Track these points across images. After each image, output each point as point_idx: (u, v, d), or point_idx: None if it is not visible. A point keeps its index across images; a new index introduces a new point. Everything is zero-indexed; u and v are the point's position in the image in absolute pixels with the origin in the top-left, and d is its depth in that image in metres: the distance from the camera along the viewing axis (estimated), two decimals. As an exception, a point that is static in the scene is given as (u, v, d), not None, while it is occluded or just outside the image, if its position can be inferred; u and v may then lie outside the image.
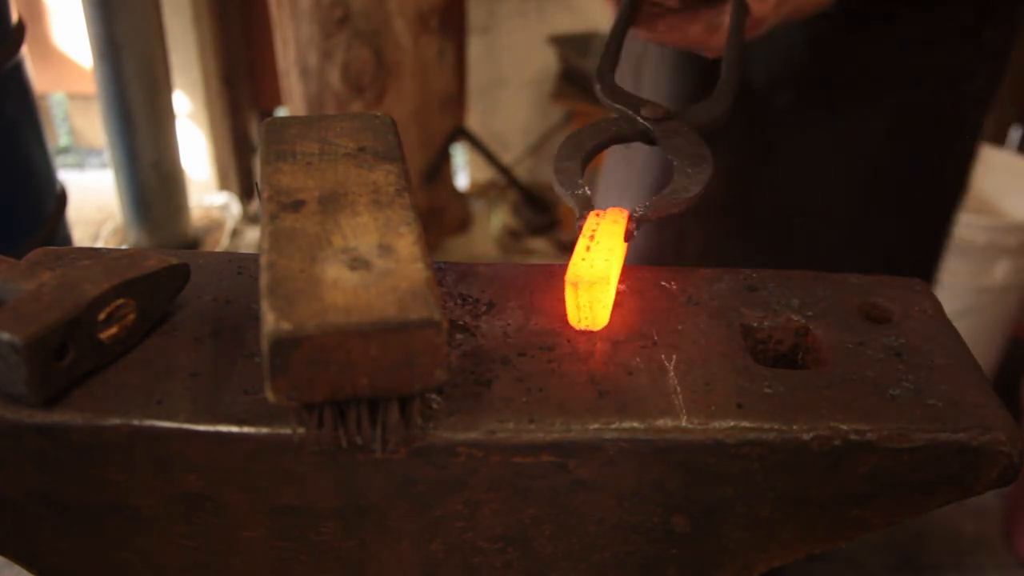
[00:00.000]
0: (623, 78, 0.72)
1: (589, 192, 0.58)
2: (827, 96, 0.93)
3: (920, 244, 1.06)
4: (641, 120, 0.64)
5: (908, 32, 0.90)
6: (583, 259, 0.52)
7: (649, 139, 0.64)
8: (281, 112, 2.66)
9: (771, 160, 0.97)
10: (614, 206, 0.57)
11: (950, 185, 1.05)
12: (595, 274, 0.51)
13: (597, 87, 0.67)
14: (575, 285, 0.51)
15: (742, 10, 0.72)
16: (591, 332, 0.53)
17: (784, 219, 1.00)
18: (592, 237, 0.54)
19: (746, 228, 1.01)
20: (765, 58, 0.91)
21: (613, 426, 0.47)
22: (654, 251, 1.03)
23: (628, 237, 0.55)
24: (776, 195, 0.99)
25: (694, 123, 0.64)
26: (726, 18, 0.73)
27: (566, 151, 0.61)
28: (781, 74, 0.92)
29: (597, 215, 0.55)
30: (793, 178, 0.98)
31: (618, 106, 0.65)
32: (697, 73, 0.95)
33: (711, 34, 0.74)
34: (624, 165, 1.10)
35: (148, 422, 0.45)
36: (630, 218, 0.55)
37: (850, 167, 0.96)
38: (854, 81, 0.92)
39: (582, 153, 0.62)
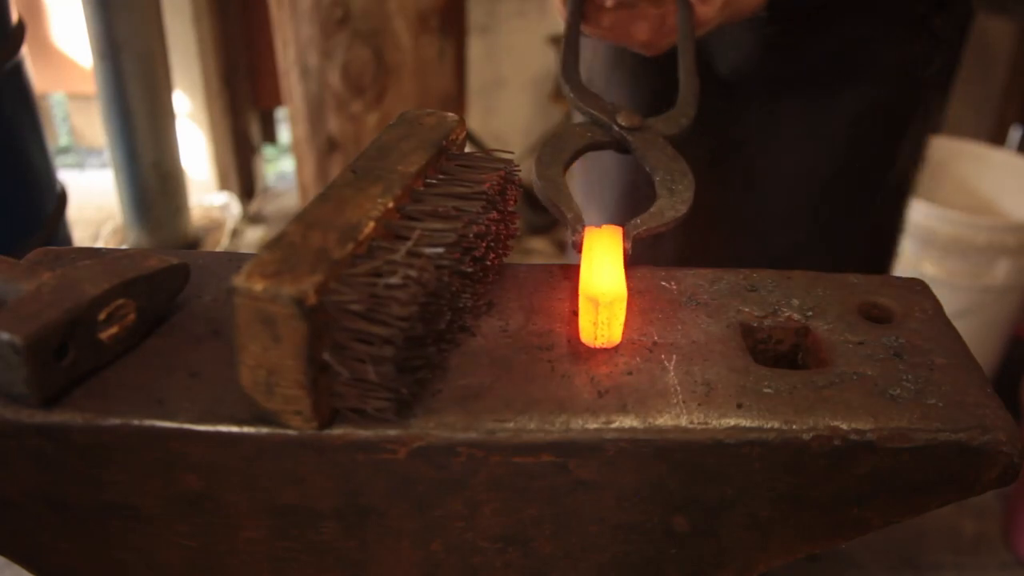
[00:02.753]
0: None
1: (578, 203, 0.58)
2: (789, 91, 0.93)
3: (876, 234, 1.06)
4: (617, 128, 0.63)
5: (862, 26, 0.91)
6: (597, 276, 0.51)
7: (623, 148, 0.64)
8: (282, 112, 2.66)
9: (734, 156, 0.97)
10: (585, 209, 0.57)
11: (905, 173, 1.05)
12: (614, 291, 0.50)
13: (566, 89, 0.66)
14: (595, 302, 0.50)
15: (689, 15, 0.72)
16: (591, 332, 0.53)
17: (750, 214, 1.00)
18: (597, 254, 0.53)
19: (712, 224, 1.01)
20: (724, 55, 0.92)
21: (613, 426, 0.47)
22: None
23: (625, 256, 0.55)
24: (742, 191, 0.99)
25: (662, 134, 0.63)
26: (671, 18, 0.73)
27: (547, 157, 0.61)
28: (741, 70, 0.93)
29: (593, 231, 0.55)
30: (758, 173, 0.98)
31: (592, 111, 0.64)
32: (654, 81, 0.95)
33: (655, 34, 0.74)
34: (589, 165, 1.09)
35: (148, 422, 0.45)
36: (625, 235, 0.55)
37: (816, 160, 0.97)
38: (815, 76, 0.93)
39: (562, 160, 0.61)
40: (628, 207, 1.04)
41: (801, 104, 0.94)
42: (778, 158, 0.97)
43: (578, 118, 0.67)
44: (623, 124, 0.63)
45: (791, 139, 0.96)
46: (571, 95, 0.66)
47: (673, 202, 0.59)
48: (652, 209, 0.58)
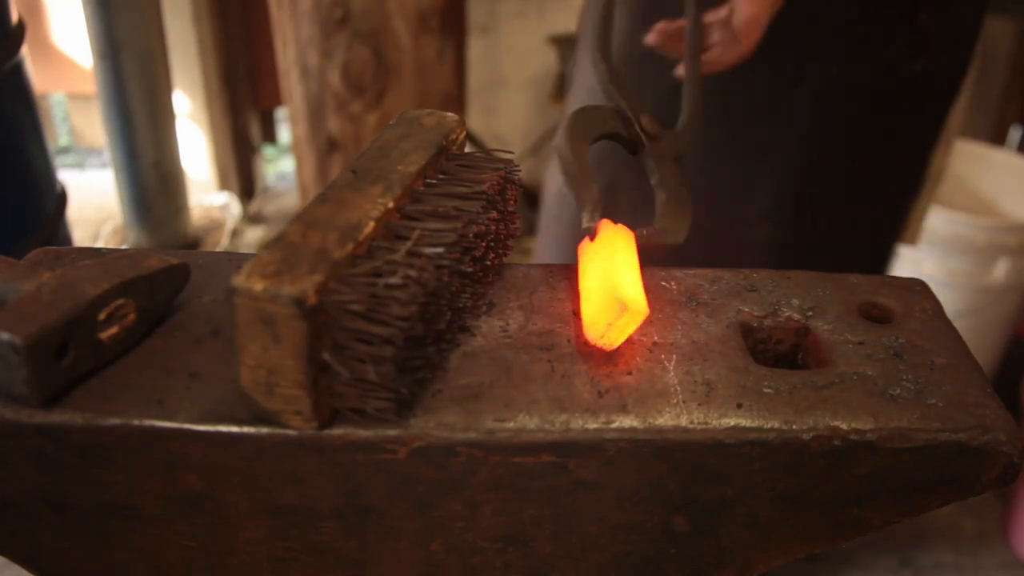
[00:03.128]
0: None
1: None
2: (751, 64, 0.92)
3: (861, 231, 1.05)
4: (638, 128, 0.62)
5: (837, 8, 0.90)
6: (628, 282, 0.51)
7: (635, 150, 0.63)
8: (282, 112, 2.66)
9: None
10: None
11: (897, 174, 1.03)
12: (642, 303, 0.50)
13: (600, 70, 0.63)
14: (624, 307, 0.49)
15: (699, 36, 0.72)
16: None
17: (715, 191, 0.98)
18: (621, 256, 0.53)
19: None
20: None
21: (613, 426, 0.47)
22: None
23: None
24: (702, 162, 0.97)
25: (676, 151, 0.63)
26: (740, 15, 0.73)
27: (577, 132, 0.58)
28: None
29: (611, 228, 0.55)
30: (721, 145, 0.96)
31: (622, 103, 0.63)
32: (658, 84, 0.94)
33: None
34: None
35: (148, 422, 0.45)
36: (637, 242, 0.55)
37: (779, 132, 0.95)
38: (781, 51, 0.91)
39: (589, 137, 0.59)
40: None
41: (762, 77, 0.93)
42: (740, 131, 0.96)
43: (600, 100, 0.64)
44: (646, 128, 0.62)
45: (753, 111, 0.94)
46: (604, 77, 0.63)
47: (676, 226, 0.59)
48: (658, 225, 0.59)
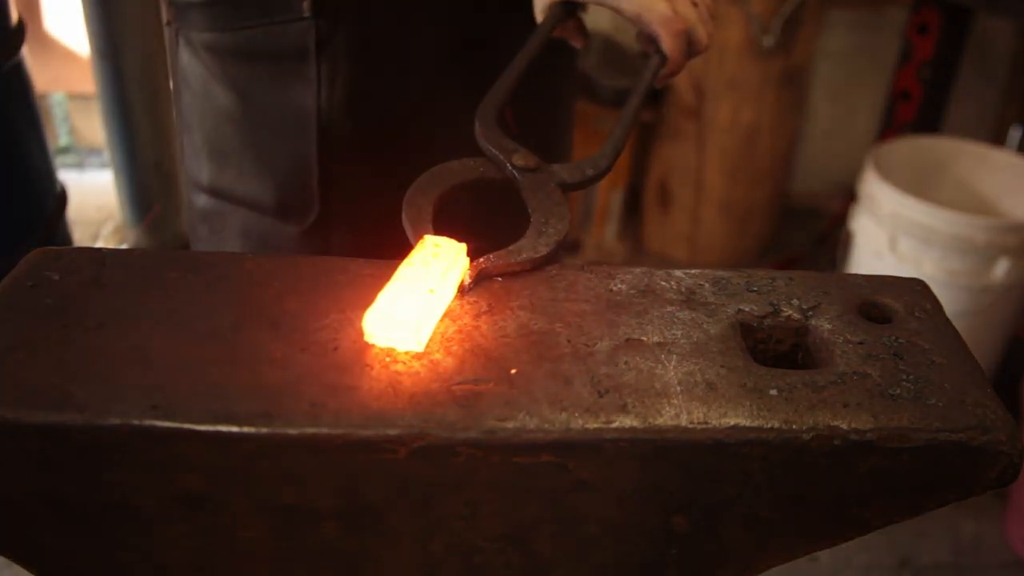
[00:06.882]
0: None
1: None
2: None
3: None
4: (510, 167, 0.63)
5: None
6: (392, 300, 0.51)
7: (514, 187, 0.64)
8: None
9: (477, 51, 0.90)
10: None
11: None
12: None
13: (476, 127, 0.66)
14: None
15: (660, 64, 0.73)
16: (591, 332, 0.53)
17: None
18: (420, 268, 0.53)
19: (454, 122, 0.91)
20: None
21: (613, 426, 0.47)
22: None
23: (463, 289, 0.55)
24: (484, 90, 0.90)
25: (561, 180, 0.63)
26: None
27: (423, 184, 0.61)
28: None
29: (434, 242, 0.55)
30: (500, 70, 0.85)
31: (492, 149, 0.64)
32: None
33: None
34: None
35: (148, 422, 0.45)
36: (473, 270, 0.55)
37: (555, 58, 0.92)
38: None
39: (439, 189, 0.61)
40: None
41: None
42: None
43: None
44: (517, 164, 0.63)
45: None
46: (477, 128, 0.66)
47: (536, 243, 0.58)
48: (511, 247, 0.58)
